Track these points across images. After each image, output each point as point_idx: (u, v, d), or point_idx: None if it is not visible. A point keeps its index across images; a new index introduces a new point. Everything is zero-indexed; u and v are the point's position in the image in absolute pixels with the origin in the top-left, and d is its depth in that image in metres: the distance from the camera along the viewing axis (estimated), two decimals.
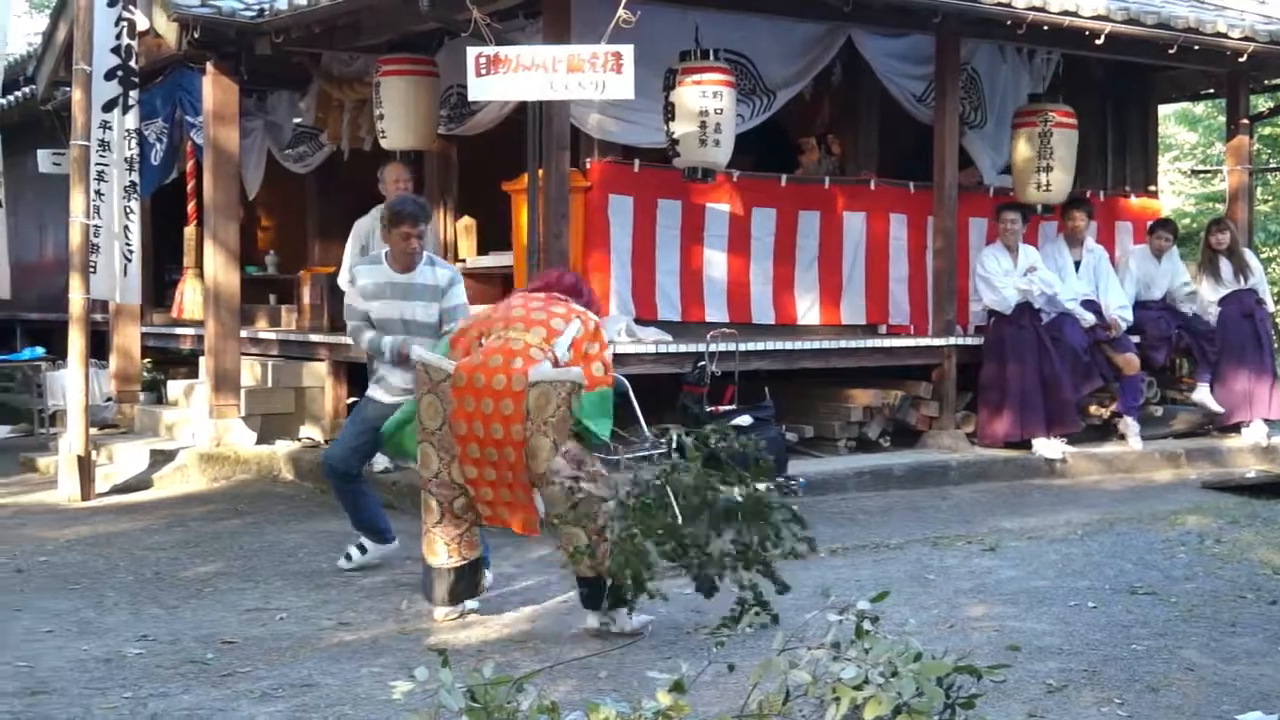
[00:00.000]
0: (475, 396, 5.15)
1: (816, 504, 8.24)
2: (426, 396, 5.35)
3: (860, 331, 10.02)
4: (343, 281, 9.00)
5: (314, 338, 10.31)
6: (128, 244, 9.99)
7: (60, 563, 6.95)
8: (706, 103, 8.52)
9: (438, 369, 5.31)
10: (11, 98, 14.00)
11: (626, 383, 5.93)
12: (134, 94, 10.25)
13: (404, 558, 6.69)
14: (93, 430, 9.39)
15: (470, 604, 5.62)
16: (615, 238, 8.95)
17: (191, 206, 11.81)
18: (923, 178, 10.11)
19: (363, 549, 6.65)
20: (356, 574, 6.54)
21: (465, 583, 5.56)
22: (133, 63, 10.05)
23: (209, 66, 9.81)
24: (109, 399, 11.36)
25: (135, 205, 10.25)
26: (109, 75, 9.73)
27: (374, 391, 6.48)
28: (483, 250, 10.25)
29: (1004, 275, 9.75)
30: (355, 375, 9.69)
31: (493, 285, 10.31)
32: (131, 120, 10.28)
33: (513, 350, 5.20)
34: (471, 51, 7.39)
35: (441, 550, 5.49)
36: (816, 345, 9.38)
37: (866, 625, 3.29)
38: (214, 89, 9.83)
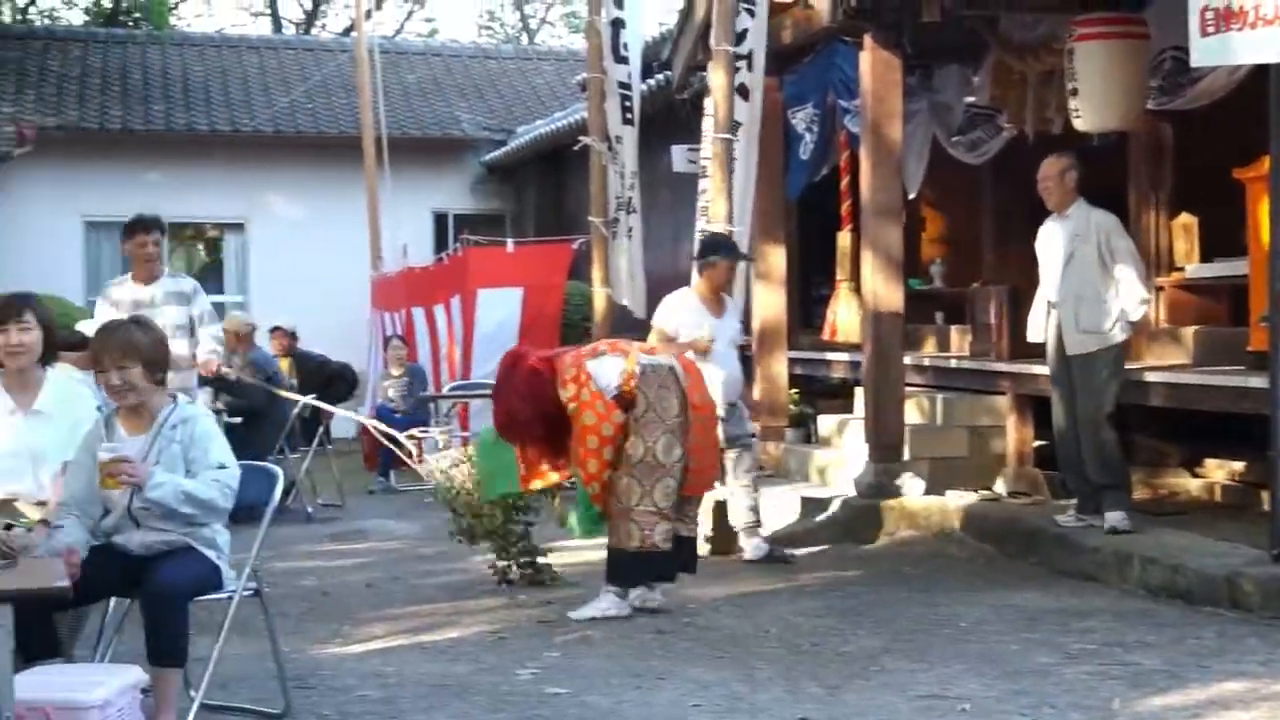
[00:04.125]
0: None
1: None
2: (660, 390, 7.51)
3: None
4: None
5: (992, 365, 10.34)
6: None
7: (704, 625, 7.36)
8: None
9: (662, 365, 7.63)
10: (644, 86, 14.98)
11: None
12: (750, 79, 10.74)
13: (1115, 644, 6.55)
14: None
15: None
16: None
17: (845, 208, 12.18)
18: None
19: None
20: (1056, 663, 6.46)
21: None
22: (741, 46, 10.51)
23: (866, 40, 10.08)
24: (752, 435, 11.91)
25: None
26: None
27: None
28: (1206, 256, 9.88)
29: None
30: (1042, 412, 9.63)
31: (1218, 300, 9.91)
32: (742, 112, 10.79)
33: None
34: (1194, 4, 7.15)
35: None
36: None
37: None
38: (873, 66, 10.08)
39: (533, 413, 7.52)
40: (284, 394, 12.30)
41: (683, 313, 9.03)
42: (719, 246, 9.31)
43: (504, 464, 7.82)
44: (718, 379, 8.79)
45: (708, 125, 10.81)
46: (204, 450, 5.53)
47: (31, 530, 5.74)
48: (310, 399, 12.46)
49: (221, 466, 5.53)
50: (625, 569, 7.61)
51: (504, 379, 7.66)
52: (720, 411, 8.74)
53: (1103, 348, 8.61)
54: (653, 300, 10.48)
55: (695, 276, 9.42)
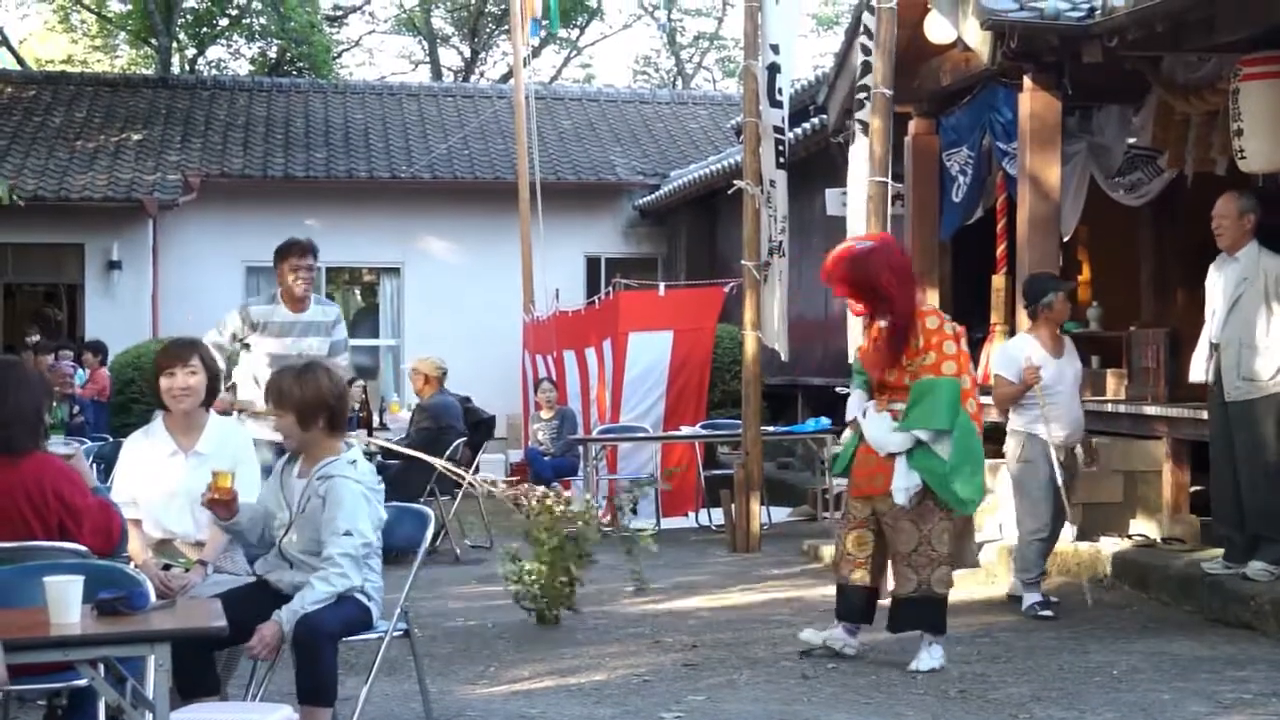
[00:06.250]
0: None
1: None
2: None
3: None
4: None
5: (1148, 409, 10.19)
6: None
7: (851, 671, 7.33)
8: None
9: None
10: (798, 130, 15.02)
11: None
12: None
13: (1271, 694, 6.42)
14: None
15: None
16: None
17: (1000, 250, 12.10)
18: None
19: None
20: (1210, 712, 6.34)
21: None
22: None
23: (1026, 81, 10.05)
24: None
25: None
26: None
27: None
28: None
29: None
30: (1200, 457, 9.46)
31: None
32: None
33: None
34: None
35: None
36: None
37: None
38: (1031, 107, 10.05)
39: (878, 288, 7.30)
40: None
41: (1023, 359, 8.76)
42: (1048, 283, 9.18)
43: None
44: (1062, 421, 8.84)
45: (853, 168, 10.85)
46: (333, 514, 5.58)
47: (189, 570, 5.91)
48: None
49: (347, 534, 5.55)
50: (916, 614, 7.45)
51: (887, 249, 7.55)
52: (1060, 456, 8.80)
53: (1261, 397, 8.30)
54: (797, 343, 10.53)
55: (1026, 321, 9.28)
